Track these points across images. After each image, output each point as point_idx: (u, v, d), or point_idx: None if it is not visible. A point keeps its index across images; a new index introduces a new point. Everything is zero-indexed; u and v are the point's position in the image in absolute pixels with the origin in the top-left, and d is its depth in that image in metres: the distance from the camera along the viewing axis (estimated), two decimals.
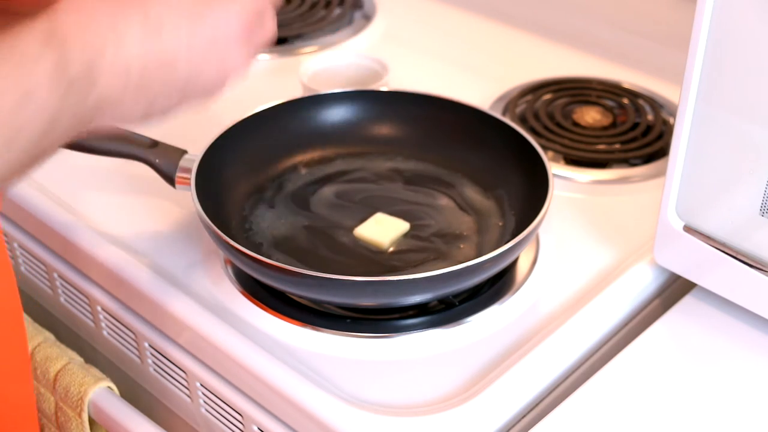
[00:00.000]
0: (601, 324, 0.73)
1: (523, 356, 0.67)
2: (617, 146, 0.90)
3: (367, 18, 1.16)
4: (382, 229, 0.77)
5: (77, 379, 0.78)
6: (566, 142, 0.90)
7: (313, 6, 1.17)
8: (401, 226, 0.77)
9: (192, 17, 0.51)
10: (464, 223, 0.79)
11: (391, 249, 0.76)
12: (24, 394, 0.73)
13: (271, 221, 0.79)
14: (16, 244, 0.88)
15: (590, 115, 0.95)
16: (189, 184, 0.75)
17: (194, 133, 0.80)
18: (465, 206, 0.81)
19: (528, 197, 0.77)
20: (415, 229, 0.78)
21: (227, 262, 0.76)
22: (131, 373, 0.82)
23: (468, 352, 0.69)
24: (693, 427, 0.63)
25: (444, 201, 0.81)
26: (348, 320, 0.72)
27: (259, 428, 0.69)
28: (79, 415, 0.78)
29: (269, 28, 0.58)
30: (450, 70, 1.05)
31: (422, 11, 1.18)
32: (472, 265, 0.67)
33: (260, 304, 0.73)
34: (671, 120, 0.94)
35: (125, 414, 0.75)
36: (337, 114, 0.87)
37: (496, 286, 0.75)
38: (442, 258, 0.75)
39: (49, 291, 0.87)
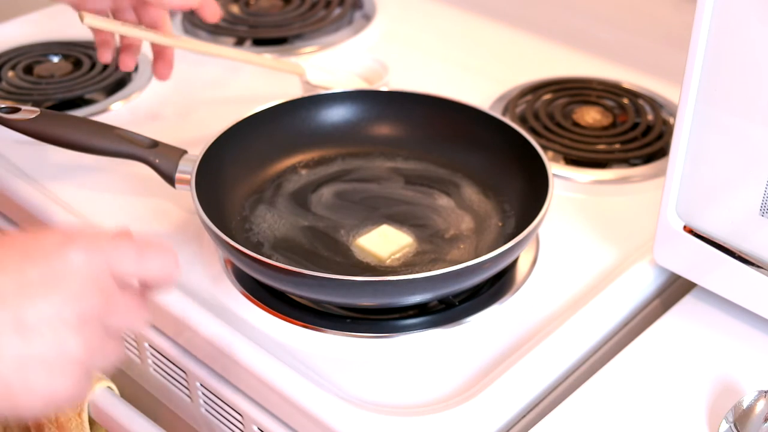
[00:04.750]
0: (601, 324, 0.73)
1: (523, 356, 0.67)
2: (617, 146, 0.90)
3: (367, 18, 1.16)
4: (384, 242, 0.76)
5: None
6: (566, 142, 0.90)
7: (313, 6, 1.17)
8: (403, 240, 0.76)
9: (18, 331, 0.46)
10: (464, 223, 0.79)
11: (389, 261, 0.75)
12: None
13: (271, 221, 0.79)
14: None
15: (590, 115, 0.95)
16: (189, 184, 0.75)
17: (194, 133, 0.80)
18: (465, 206, 0.81)
19: (528, 197, 0.77)
20: (415, 229, 0.78)
21: (227, 262, 0.76)
22: (131, 373, 0.82)
23: (468, 352, 0.69)
24: (693, 427, 0.63)
25: (444, 201, 0.81)
26: (348, 320, 0.72)
27: (259, 428, 0.69)
28: (79, 415, 0.78)
29: (113, 349, 0.50)
30: (450, 70, 1.05)
31: (422, 11, 1.18)
32: (472, 265, 0.67)
33: (260, 304, 0.73)
34: (671, 120, 0.94)
35: (125, 414, 0.75)
36: (337, 114, 0.87)
37: (496, 286, 0.75)
38: (442, 258, 0.75)
39: None
